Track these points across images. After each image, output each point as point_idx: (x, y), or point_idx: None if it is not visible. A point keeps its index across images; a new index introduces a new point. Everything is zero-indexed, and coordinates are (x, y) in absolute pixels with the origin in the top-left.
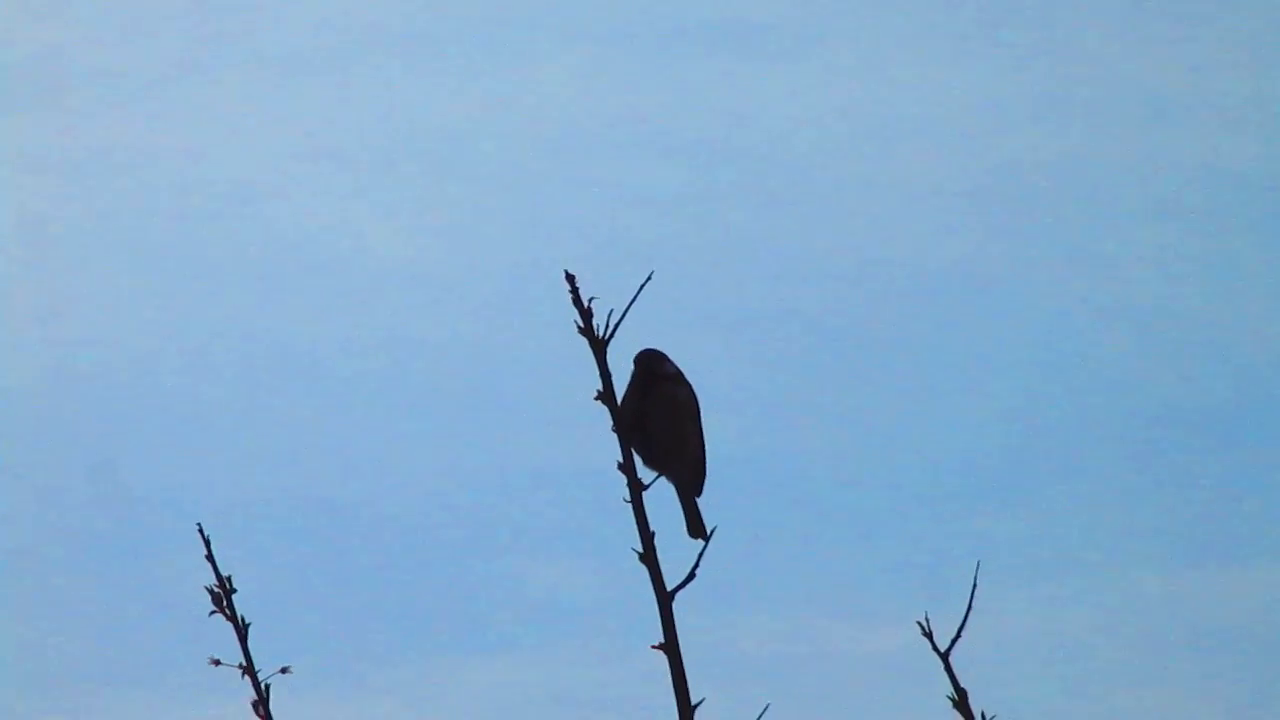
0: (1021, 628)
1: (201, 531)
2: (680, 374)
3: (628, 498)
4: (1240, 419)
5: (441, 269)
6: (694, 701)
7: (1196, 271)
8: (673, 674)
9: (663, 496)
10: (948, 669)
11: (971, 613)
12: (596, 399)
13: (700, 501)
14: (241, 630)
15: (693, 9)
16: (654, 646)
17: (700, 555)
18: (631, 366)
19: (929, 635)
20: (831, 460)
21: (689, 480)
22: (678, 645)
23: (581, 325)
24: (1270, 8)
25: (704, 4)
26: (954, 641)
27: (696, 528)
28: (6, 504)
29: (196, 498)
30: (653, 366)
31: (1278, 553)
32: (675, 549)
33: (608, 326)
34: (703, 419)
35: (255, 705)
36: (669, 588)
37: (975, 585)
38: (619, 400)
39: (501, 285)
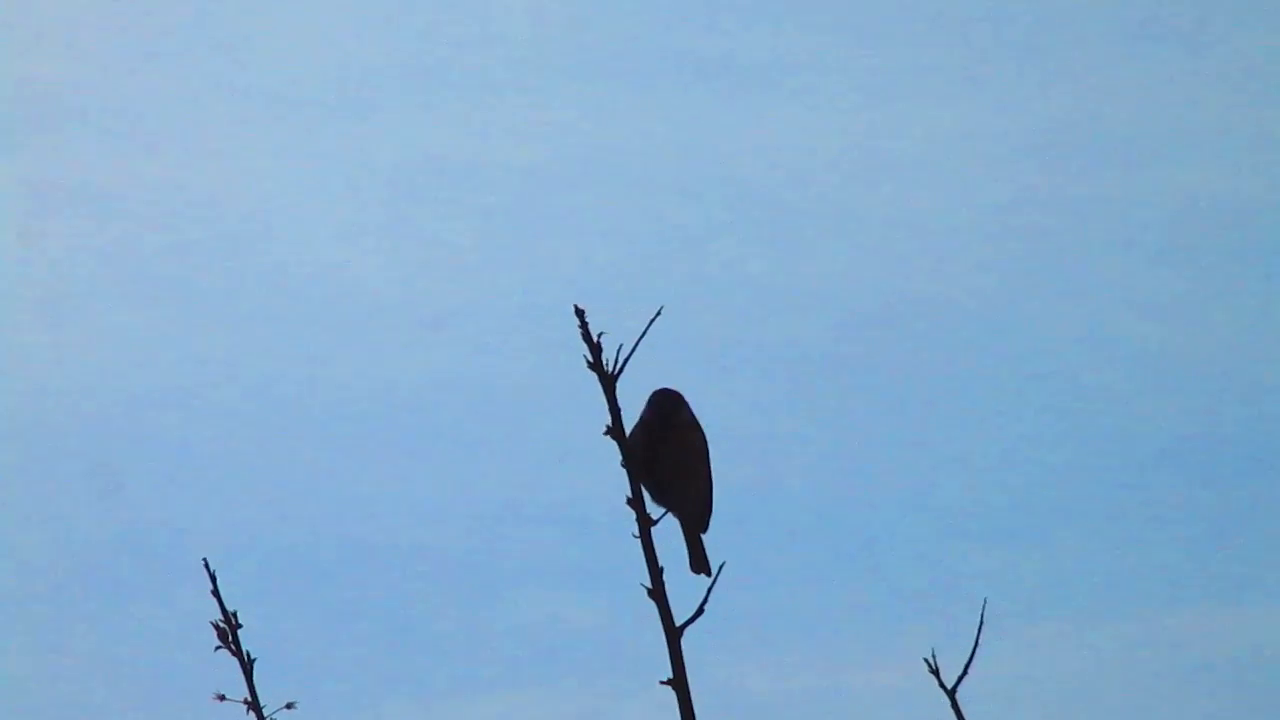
0: (1028, 665)
1: (207, 566)
2: (693, 419)
3: (637, 533)
4: (1246, 456)
5: (449, 304)
6: None
7: (1199, 309)
8: (681, 710)
9: (672, 532)
10: (954, 706)
11: (978, 650)
12: (606, 434)
13: (708, 538)
14: (247, 666)
15: (700, 47)
16: (663, 682)
17: (709, 591)
18: (645, 404)
19: (935, 672)
20: (838, 497)
21: (695, 516)
22: (686, 681)
23: (591, 360)
24: (1265, 44)
25: (711, 42)
26: (960, 679)
27: (699, 563)
28: (11, 537)
29: (202, 533)
30: (668, 411)
31: None
32: (684, 584)
33: (617, 361)
34: (710, 455)
35: None
36: (678, 623)
37: (982, 623)
38: (628, 435)
39: (511, 321)
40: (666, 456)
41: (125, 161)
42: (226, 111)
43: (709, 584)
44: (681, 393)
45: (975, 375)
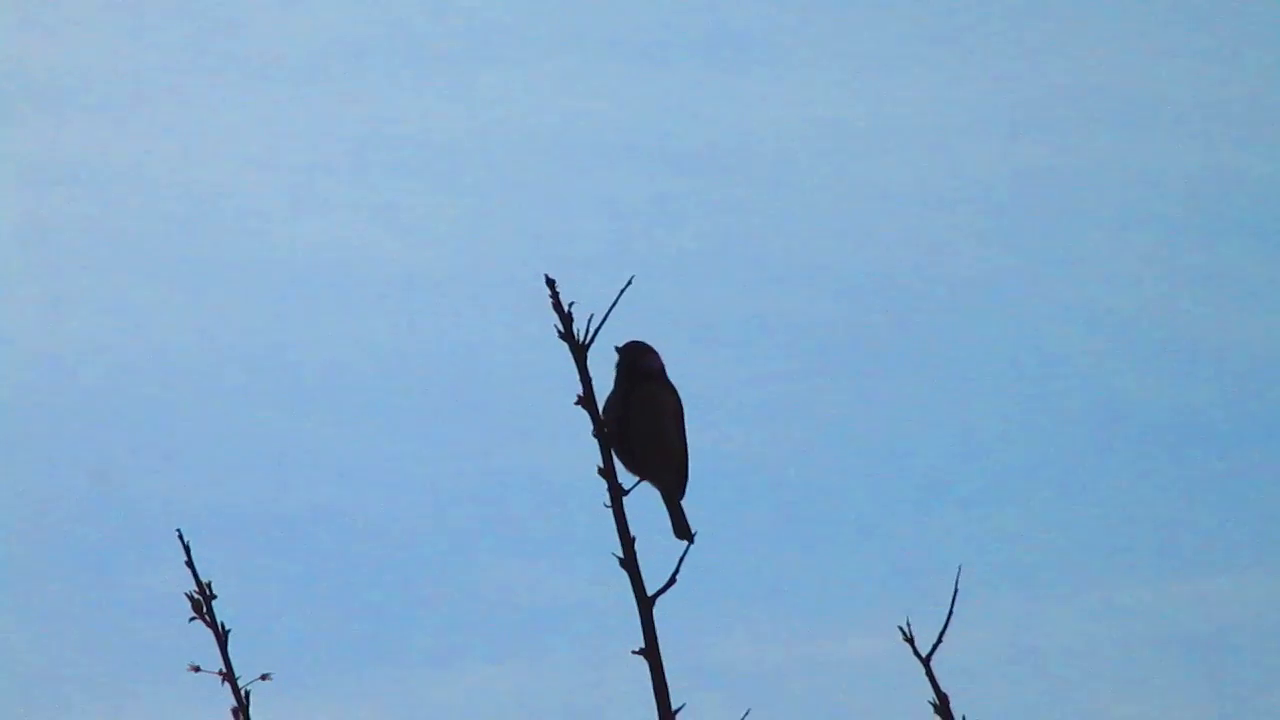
0: (1003, 633)
1: (181, 537)
2: (663, 372)
3: (608, 502)
4: (1228, 428)
5: (421, 275)
6: (675, 707)
7: (1187, 280)
8: (653, 679)
9: (644, 502)
10: (929, 674)
11: (953, 618)
12: (577, 404)
13: (683, 498)
14: (221, 636)
15: (680, 18)
16: (635, 651)
17: (681, 560)
18: (615, 364)
19: (910, 640)
20: (813, 465)
21: (671, 483)
22: (658, 650)
23: (562, 330)
24: (1263, 17)
25: (691, 12)
26: (935, 646)
27: (682, 529)
28: None
29: (176, 504)
30: (636, 359)
31: (1260, 562)
32: (656, 554)
33: (588, 332)
34: (686, 423)
35: (235, 712)
36: (649, 593)
37: (956, 591)
38: (602, 401)
39: (482, 291)
40: (635, 412)
41: (109, 138)
42: (213, 84)
43: (681, 554)
44: (648, 344)
45: (954, 342)
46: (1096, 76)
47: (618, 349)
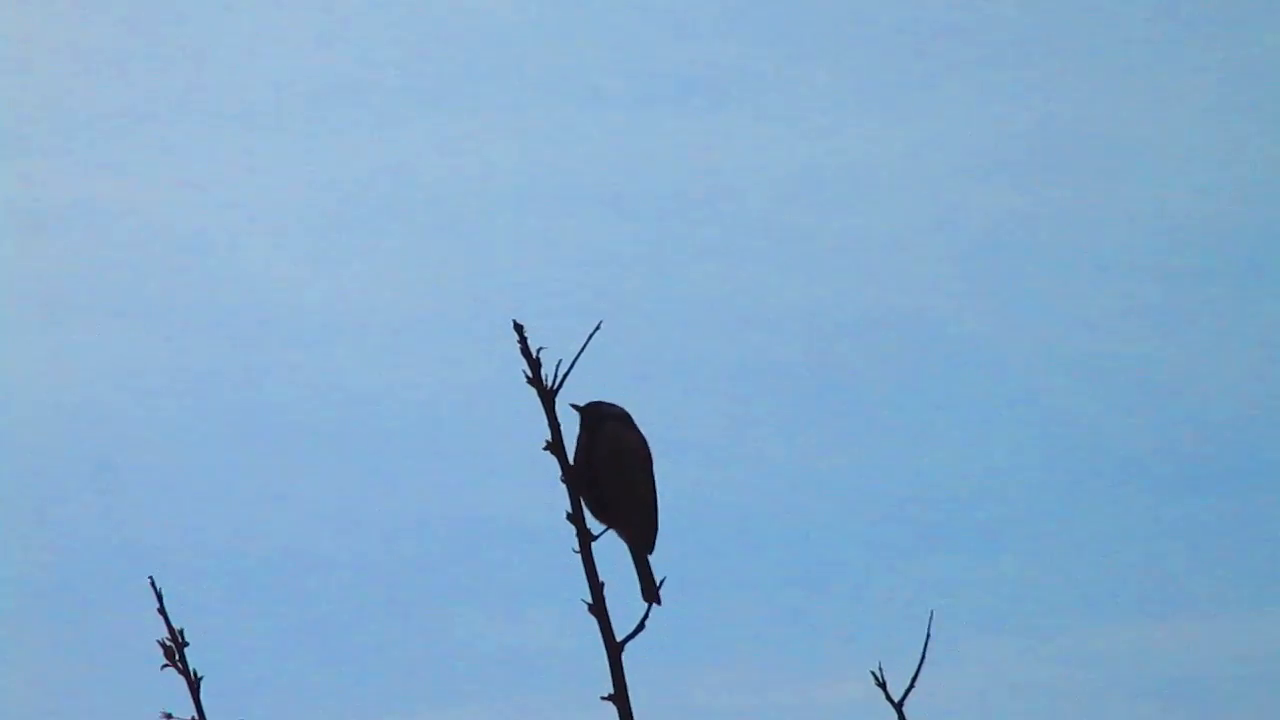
0: (977, 678)
1: (153, 584)
2: (628, 416)
3: (577, 548)
4: (1204, 471)
5: (390, 319)
6: None
7: (1163, 324)
8: None
9: (612, 548)
10: (901, 719)
11: (925, 663)
12: (545, 449)
13: (651, 553)
14: (194, 684)
15: (653, 63)
16: (604, 698)
17: (650, 607)
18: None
19: (883, 685)
20: (784, 511)
21: (639, 528)
22: (627, 697)
23: (530, 375)
24: (1237, 61)
25: (665, 58)
26: (908, 692)
27: (650, 590)
28: None
29: (148, 550)
30: (598, 406)
31: (1240, 604)
32: (625, 600)
33: (556, 377)
34: (654, 471)
35: None
36: (618, 639)
37: (929, 636)
38: (571, 447)
39: (450, 336)
40: (598, 451)
41: (81, 177)
42: (179, 127)
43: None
44: (623, 407)
45: (927, 386)
46: (1076, 120)
47: (576, 407)
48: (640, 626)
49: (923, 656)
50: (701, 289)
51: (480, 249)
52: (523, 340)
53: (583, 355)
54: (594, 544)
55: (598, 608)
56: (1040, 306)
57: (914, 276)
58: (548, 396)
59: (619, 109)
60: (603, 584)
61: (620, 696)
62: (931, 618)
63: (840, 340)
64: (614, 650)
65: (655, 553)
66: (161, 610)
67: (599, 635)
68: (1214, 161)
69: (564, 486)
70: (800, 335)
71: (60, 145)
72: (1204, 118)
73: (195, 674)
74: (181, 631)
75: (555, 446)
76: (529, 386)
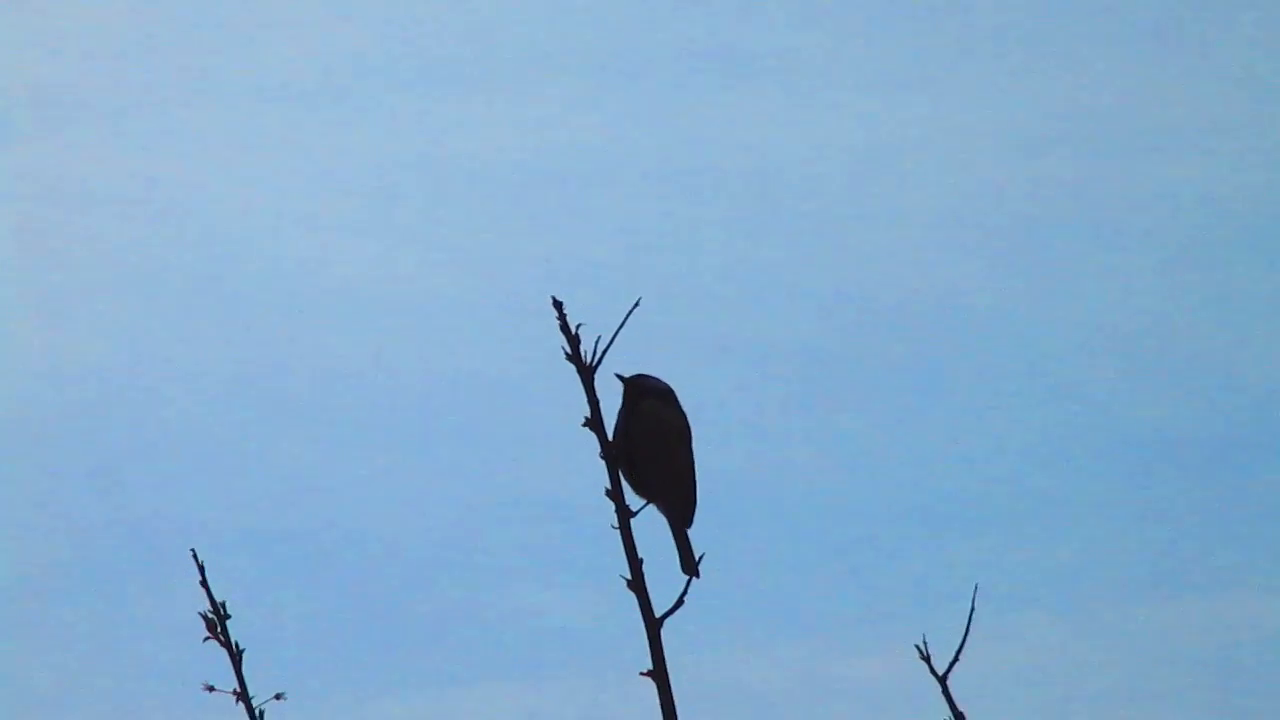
0: (1020, 652)
1: (195, 557)
2: (669, 391)
3: (616, 524)
4: (1236, 448)
5: (430, 296)
6: None
7: (1200, 300)
8: (661, 702)
9: (651, 524)
10: (945, 693)
11: (969, 637)
12: (584, 425)
13: (693, 528)
14: (236, 656)
15: (686, 39)
16: (643, 674)
17: (689, 582)
18: (622, 392)
19: (927, 659)
20: (826, 485)
21: (677, 504)
22: (666, 673)
23: (569, 352)
24: (1263, 40)
25: (697, 34)
26: (952, 664)
27: (689, 564)
28: None
29: (191, 524)
30: (640, 380)
31: (1273, 581)
32: (664, 576)
33: (595, 353)
34: (694, 446)
35: None
36: (657, 614)
37: (973, 609)
38: (610, 423)
39: (490, 313)
40: (638, 427)
41: (119, 156)
42: (215, 105)
43: (689, 577)
44: (666, 381)
45: (965, 366)
46: (1107, 98)
47: (620, 377)
48: (679, 602)
49: (967, 630)
50: (739, 266)
51: (518, 226)
52: (562, 317)
53: (621, 331)
54: (633, 520)
55: (637, 584)
56: (1076, 287)
57: (953, 256)
58: (587, 373)
59: (656, 87)
60: (642, 560)
61: (659, 672)
62: (976, 592)
63: (878, 318)
64: (653, 626)
65: (695, 528)
66: (204, 583)
67: (638, 611)
68: (1244, 143)
69: (603, 462)
70: (838, 312)
71: (88, 127)
72: (1243, 96)
73: (237, 646)
74: (223, 604)
75: (594, 423)
76: (568, 363)
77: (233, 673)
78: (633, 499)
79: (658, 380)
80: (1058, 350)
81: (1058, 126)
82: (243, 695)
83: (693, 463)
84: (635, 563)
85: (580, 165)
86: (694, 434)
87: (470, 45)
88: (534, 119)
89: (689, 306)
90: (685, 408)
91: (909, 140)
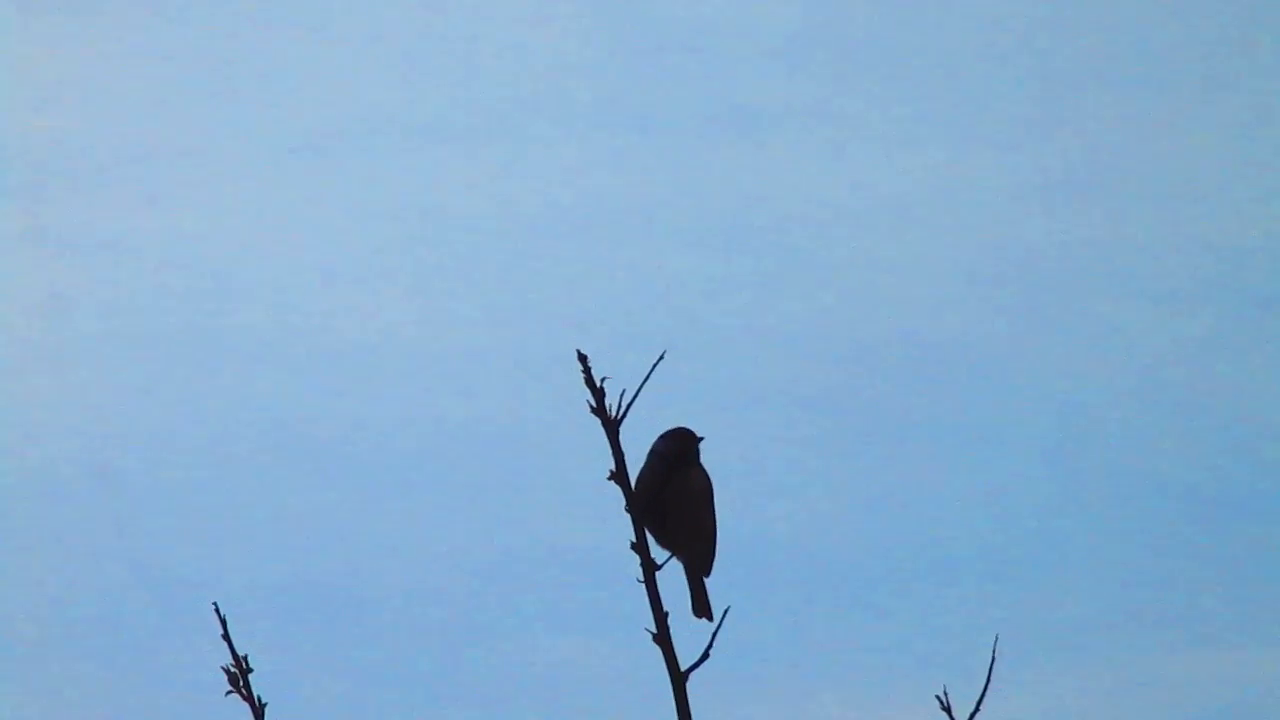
0: (1042, 701)
1: (218, 610)
2: (698, 454)
3: (641, 578)
4: (1261, 497)
5: (453, 350)
6: None
7: (1215, 349)
8: None
9: (676, 577)
10: None
11: (990, 686)
12: (609, 479)
13: (714, 581)
14: (258, 710)
15: (705, 93)
16: None
17: (714, 635)
18: (652, 445)
19: (948, 709)
20: (847, 535)
21: (699, 560)
22: None
23: (594, 405)
24: (1276, 89)
25: (716, 89)
26: (973, 715)
27: (702, 608)
28: (21, 585)
29: (212, 577)
30: (683, 449)
31: None
32: (689, 629)
33: (620, 407)
34: (714, 498)
35: None
36: (683, 668)
37: (994, 659)
38: (634, 477)
39: (514, 367)
40: (673, 498)
41: (135, 209)
42: (232, 158)
43: (714, 628)
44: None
45: (988, 415)
46: (1117, 148)
47: (670, 437)
48: (705, 656)
49: (988, 681)
50: (761, 318)
51: (542, 279)
52: (587, 370)
53: (646, 385)
54: (658, 573)
55: (662, 637)
56: (1098, 336)
57: (974, 306)
58: (612, 426)
59: (677, 140)
60: (667, 613)
61: None
62: (996, 642)
63: (899, 368)
64: (678, 679)
65: (718, 580)
66: (225, 636)
67: (663, 664)
68: (1253, 192)
69: (628, 516)
70: (860, 362)
71: (101, 178)
72: (1247, 144)
73: (260, 700)
74: (245, 657)
75: (619, 476)
76: (593, 416)
77: None
78: (658, 552)
79: (690, 443)
80: (1081, 400)
81: (1075, 175)
82: None
83: (714, 517)
84: (660, 616)
85: (604, 218)
86: (716, 485)
87: (493, 98)
88: (556, 171)
89: (713, 358)
90: (707, 458)
91: (929, 191)
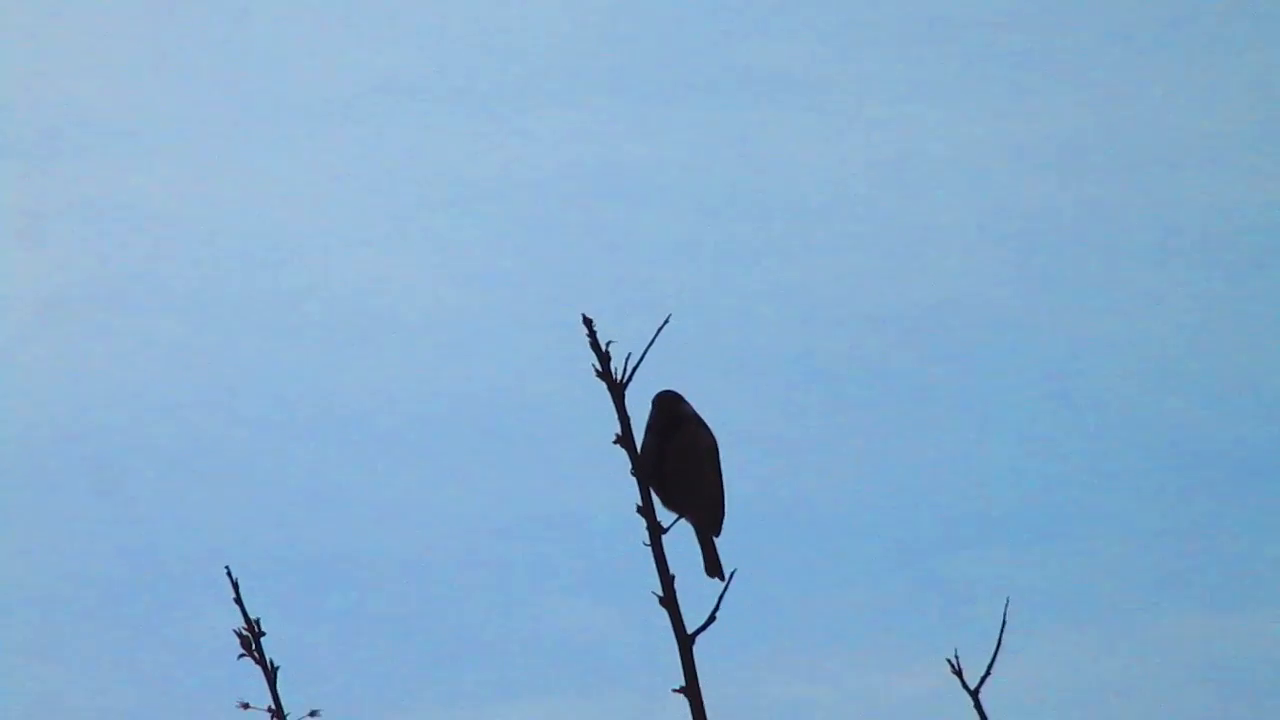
0: (1052, 666)
1: (230, 574)
2: (698, 417)
3: (647, 541)
4: (1271, 461)
5: (460, 316)
6: None
7: (1223, 314)
8: (694, 718)
9: (682, 540)
10: (977, 706)
11: (1001, 650)
12: (615, 442)
13: (721, 544)
14: (270, 673)
15: (717, 58)
16: (675, 690)
17: (720, 598)
18: (650, 408)
19: (959, 673)
20: (857, 500)
21: (708, 518)
22: (699, 689)
23: (600, 369)
24: None
25: (728, 53)
26: (984, 678)
27: (713, 567)
28: (35, 551)
29: (225, 542)
30: (673, 409)
31: None
32: (695, 592)
33: (625, 370)
34: (722, 461)
35: None
36: (689, 631)
37: (1004, 623)
38: (638, 443)
39: (520, 331)
40: (674, 455)
41: (152, 176)
42: (247, 126)
43: (721, 591)
44: (679, 392)
45: (996, 379)
46: (1133, 112)
47: (653, 401)
48: (711, 619)
49: (998, 644)
50: (766, 282)
51: (549, 244)
52: (592, 334)
53: (651, 349)
54: (664, 536)
55: (669, 600)
56: (1106, 301)
57: (982, 271)
58: (617, 390)
59: (684, 105)
60: (673, 577)
61: (692, 688)
62: (1007, 606)
63: (907, 333)
64: (685, 642)
65: (726, 544)
66: (238, 600)
67: (670, 627)
68: (1268, 156)
69: (634, 479)
70: (867, 327)
71: (129, 145)
72: (1259, 113)
73: (271, 663)
74: (258, 621)
75: (625, 440)
76: (599, 380)
77: (267, 690)
78: (664, 515)
79: (682, 403)
80: (1090, 366)
81: (1083, 140)
82: (277, 712)
83: (721, 477)
84: (667, 579)
85: (610, 183)
86: (723, 450)
87: (504, 65)
88: (565, 137)
89: (718, 323)
90: (712, 422)
91: (936, 157)
